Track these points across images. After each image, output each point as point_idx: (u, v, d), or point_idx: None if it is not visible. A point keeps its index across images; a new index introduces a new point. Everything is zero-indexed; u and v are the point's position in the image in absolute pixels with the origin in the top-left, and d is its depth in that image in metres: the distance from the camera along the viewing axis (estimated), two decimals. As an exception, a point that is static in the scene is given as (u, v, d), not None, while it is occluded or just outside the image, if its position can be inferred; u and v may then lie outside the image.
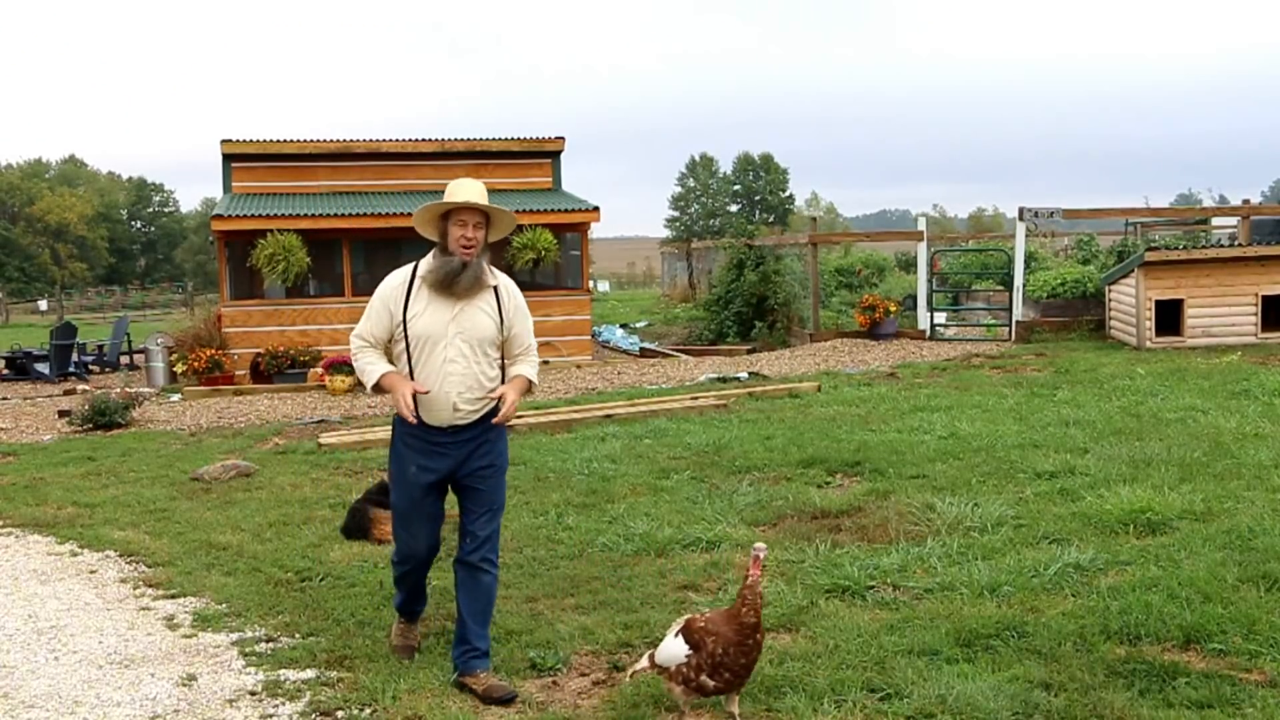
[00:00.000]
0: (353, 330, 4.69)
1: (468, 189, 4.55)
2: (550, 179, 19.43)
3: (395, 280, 4.61)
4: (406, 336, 4.50)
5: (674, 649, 3.97)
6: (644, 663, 4.14)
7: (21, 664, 5.01)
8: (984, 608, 4.97)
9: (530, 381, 4.67)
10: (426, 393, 4.43)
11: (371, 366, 4.57)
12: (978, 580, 5.31)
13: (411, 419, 4.39)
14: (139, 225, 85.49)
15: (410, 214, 19.02)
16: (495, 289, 4.57)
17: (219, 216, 16.70)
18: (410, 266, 4.60)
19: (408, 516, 4.65)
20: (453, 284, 4.43)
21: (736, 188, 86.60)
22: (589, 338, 17.98)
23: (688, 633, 3.95)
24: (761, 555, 3.91)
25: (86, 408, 12.50)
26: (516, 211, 18.87)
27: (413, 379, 4.50)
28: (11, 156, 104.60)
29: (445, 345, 4.45)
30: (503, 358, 4.65)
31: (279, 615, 5.49)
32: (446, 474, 4.56)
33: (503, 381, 4.59)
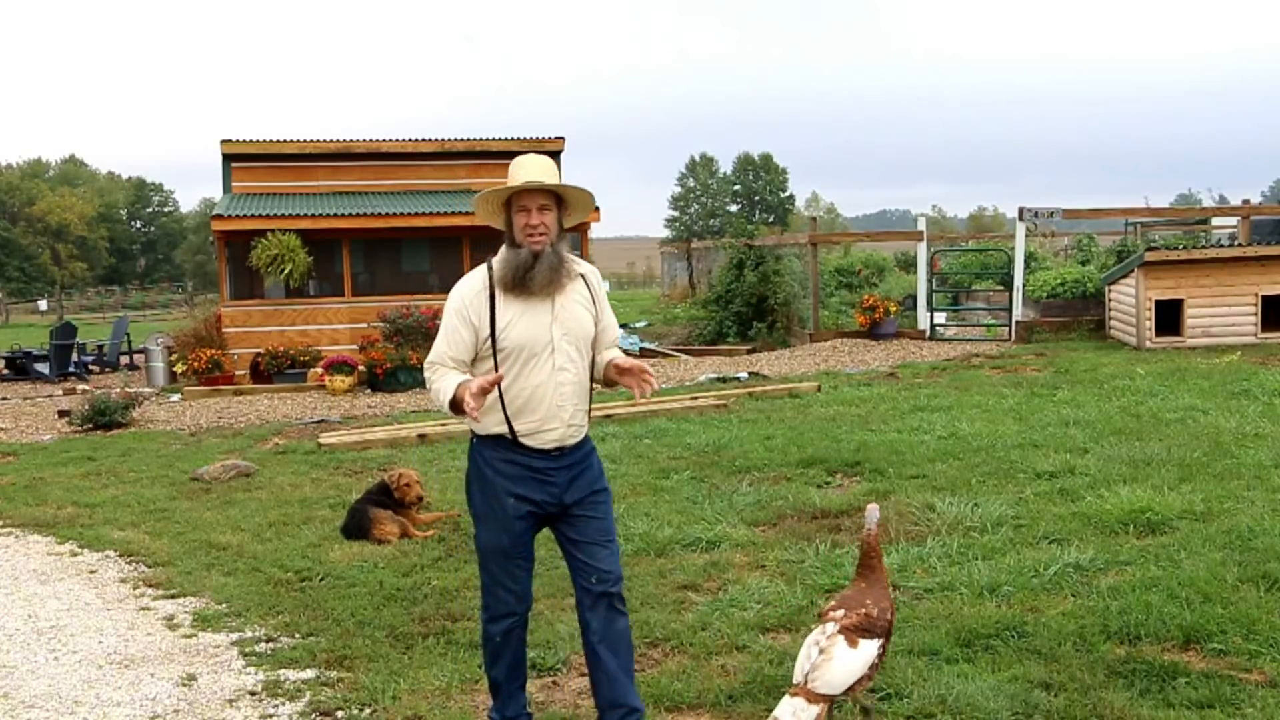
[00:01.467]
0: (427, 355, 3.90)
1: (529, 167, 3.80)
2: (550, 179, 19.41)
3: (471, 287, 3.82)
4: (497, 351, 3.75)
5: (860, 656, 3.60)
6: (813, 711, 3.53)
7: (21, 664, 5.01)
8: (984, 608, 4.97)
9: None
10: (499, 380, 3.67)
11: (441, 384, 3.76)
12: (977, 580, 5.30)
13: (475, 416, 3.57)
14: (139, 225, 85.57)
15: (410, 214, 19.03)
16: (583, 277, 3.90)
17: (219, 216, 16.70)
18: (483, 267, 3.85)
19: (508, 555, 3.83)
20: (526, 280, 3.71)
21: (736, 188, 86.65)
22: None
23: (863, 629, 3.62)
24: (877, 515, 3.91)
25: (86, 408, 12.50)
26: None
27: (504, 401, 3.73)
28: (11, 156, 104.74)
29: (552, 351, 3.75)
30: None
31: (279, 615, 5.49)
32: (549, 506, 3.82)
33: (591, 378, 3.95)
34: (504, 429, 3.76)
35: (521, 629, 3.95)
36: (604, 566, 3.82)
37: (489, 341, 3.75)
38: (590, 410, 3.92)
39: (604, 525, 3.87)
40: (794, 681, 3.63)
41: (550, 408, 3.75)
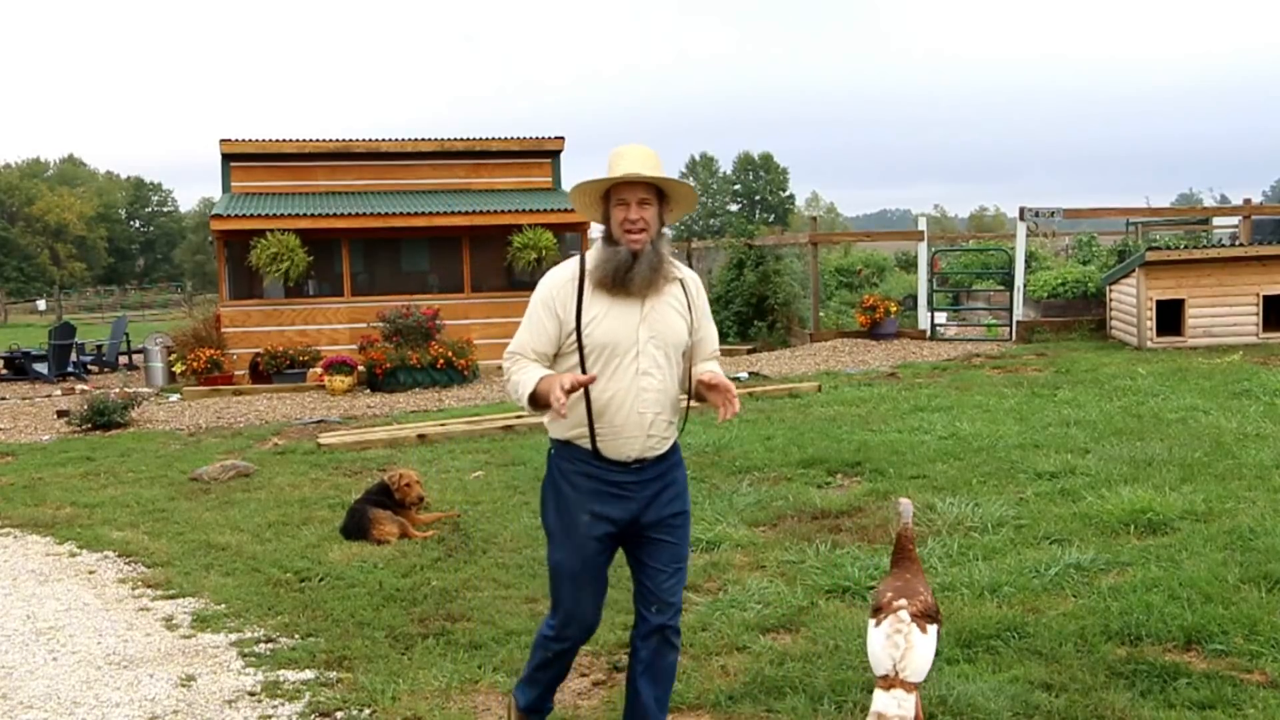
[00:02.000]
0: (507, 346, 3.67)
1: (630, 158, 3.50)
2: (550, 179, 19.41)
3: (560, 277, 3.60)
4: (581, 347, 3.52)
5: (932, 642, 3.73)
6: (913, 700, 3.63)
7: (20, 664, 5.00)
8: (984, 608, 4.96)
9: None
10: (591, 380, 3.42)
11: (521, 375, 3.55)
12: (978, 581, 5.30)
13: (563, 414, 3.35)
14: (138, 225, 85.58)
15: (409, 214, 19.00)
16: (681, 282, 3.63)
17: (218, 216, 16.69)
18: (574, 260, 3.62)
19: (579, 579, 3.62)
20: (625, 280, 3.46)
21: (736, 187, 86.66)
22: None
23: (928, 615, 3.74)
24: (911, 509, 3.98)
25: (85, 408, 12.49)
26: (516, 211, 18.74)
27: (590, 402, 3.51)
28: (10, 156, 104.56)
29: (637, 354, 3.49)
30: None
31: (278, 616, 5.48)
32: (626, 524, 3.58)
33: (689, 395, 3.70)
34: (583, 434, 3.54)
35: (574, 651, 3.79)
36: (668, 598, 3.61)
37: (573, 337, 3.52)
38: (678, 424, 3.65)
39: (678, 551, 3.63)
40: (880, 674, 3.70)
41: (630, 415, 3.49)
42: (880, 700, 3.64)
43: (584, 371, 3.48)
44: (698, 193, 3.71)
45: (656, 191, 3.53)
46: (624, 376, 3.49)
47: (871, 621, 3.82)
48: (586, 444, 3.55)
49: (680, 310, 3.59)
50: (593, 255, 3.57)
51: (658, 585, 3.60)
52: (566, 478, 3.60)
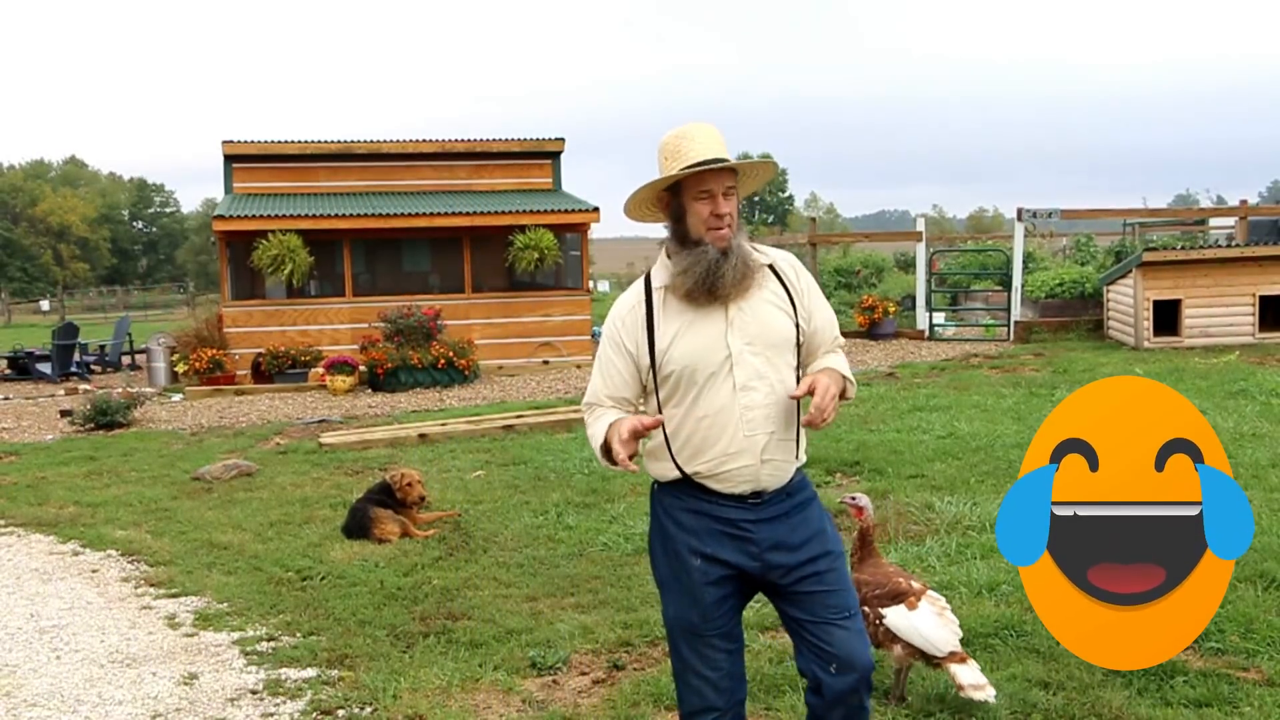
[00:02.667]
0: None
1: (702, 140, 2.94)
2: (550, 179, 19.44)
3: (623, 305, 3.04)
4: (662, 375, 2.95)
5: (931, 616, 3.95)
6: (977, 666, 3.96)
7: (24, 663, 5.03)
8: (983, 607, 4.98)
9: (844, 376, 3.05)
10: (658, 423, 2.90)
11: (594, 428, 3.01)
12: (976, 579, 5.32)
13: (630, 467, 2.84)
14: (140, 226, 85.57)
15: (411, 214, 19.00)
16: (771, 268, 3.04)
17: (220, 217, 16.71)
18: (639, 283, 3.07)
19: (699, 637, 2.96)
20: (717, 284, 2.89)
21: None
22: (589, 338, 17.98)
23: (910, 597, 3.95)
24: (861, 504, 4.10)
25: (88, 407, 12.53)
26: (516, 212, 18.70)
27: (670, 440, 2.96)
28: (13, 157, 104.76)
29: (732, 369, 2.91)
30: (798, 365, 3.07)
31: (280, 614, 5.51)
32: (745, 569, 2.97)
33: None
34: (682, 476, 2.97)
35: None
36: (842, 652, 2.92)
37: (650, 370, 2.96)
38: (802, 441, 3.04)
39: (839, 599, 2.97)
40: (950, 651, 3.88)
41: (735, 441, 2.90)
42: (966, 674, 3.82)
43: (667, 406, 2.95)
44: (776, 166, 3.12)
45: (732, 176, 2.99)
46: (719, 397, 2.91)
47: (898, 608, 3.91)
48: (691, 480, 2.97)
49: (777, 301, 3.00)
50: (663, 267, 2.99)
51: (827, 639, 2.93)
52: (671, 515, 3.02)
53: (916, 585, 3.96)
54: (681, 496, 2.98)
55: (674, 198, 2.96)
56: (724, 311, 2.93)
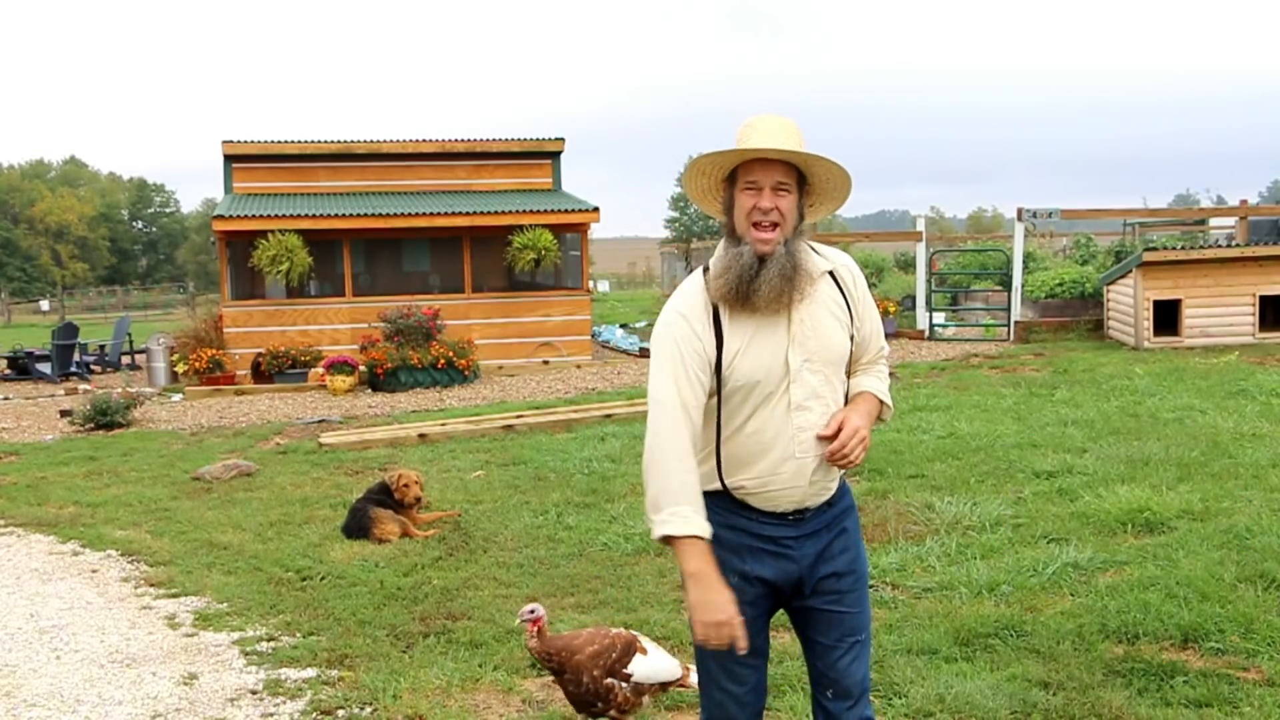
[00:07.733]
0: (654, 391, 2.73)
1: (765, 129, 2.67)
2: (550, 179, 19.45)
3: (689, 299, 2.76)
4: (720, 389, 2.73)
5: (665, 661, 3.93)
6: None
7: (23, 663, 5.03)
8: (982, 607, 4.99)
9: (881, 401, 2.85)
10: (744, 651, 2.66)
11: (664, 482, 2.64)
12: (976, 579, 5.32)
13: (743, 646, 2.61)
14: (140, 226, 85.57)
15: (410, 214, 19.02)
16: (832, 274, 2.81)
17: (220, 217, 16.72)
18: (698, 273, 2.81)
19: (726, 655, 2.77)
20: (752, 295, 2.65)
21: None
22: (589, 338, 18.00)
23: (635, 643, 3.88)
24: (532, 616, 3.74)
25: (88, 407, 12.53)
26: (516, 212, 18.71)
27: (719, 449, 2.76)
28: (13, 157, 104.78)
29: (789, 388, 2.70)
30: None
31: (280, 614, 5.51)
32: (783, 586, 2.82)
33: None
34: (721, 489, 2.78)
35: None
36: (843, 680, 2.83)
37: (714, 377, 2.71)
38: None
39: (853, 621, 2.83)
40: (683, 668, 3.93)
41: (783, 462, 2.71)
42: (694, 676, 3.61)
43: (720, 416, 2.73)
44: (850, 180, 2.77)
45: (797, 176, 2.70)
46: (774, 415, 2.70)
47: (637, 659, 3.79)
48: (733, 495, 2.78)
49: (837, 312, 2.77)
50: (714, 263, 2.74)
51: (831, 665, 2.84)
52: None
53: (623, 631, 3.81)
54: (719, 510, 2.75)
55: (730, 187, 2.74)
56: (786, 322, 2.70)
